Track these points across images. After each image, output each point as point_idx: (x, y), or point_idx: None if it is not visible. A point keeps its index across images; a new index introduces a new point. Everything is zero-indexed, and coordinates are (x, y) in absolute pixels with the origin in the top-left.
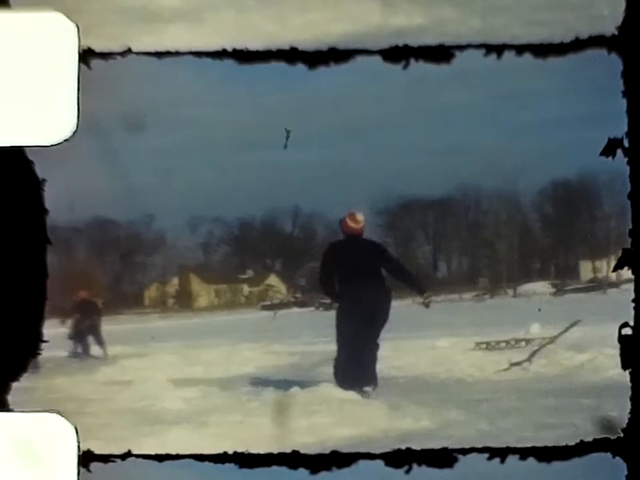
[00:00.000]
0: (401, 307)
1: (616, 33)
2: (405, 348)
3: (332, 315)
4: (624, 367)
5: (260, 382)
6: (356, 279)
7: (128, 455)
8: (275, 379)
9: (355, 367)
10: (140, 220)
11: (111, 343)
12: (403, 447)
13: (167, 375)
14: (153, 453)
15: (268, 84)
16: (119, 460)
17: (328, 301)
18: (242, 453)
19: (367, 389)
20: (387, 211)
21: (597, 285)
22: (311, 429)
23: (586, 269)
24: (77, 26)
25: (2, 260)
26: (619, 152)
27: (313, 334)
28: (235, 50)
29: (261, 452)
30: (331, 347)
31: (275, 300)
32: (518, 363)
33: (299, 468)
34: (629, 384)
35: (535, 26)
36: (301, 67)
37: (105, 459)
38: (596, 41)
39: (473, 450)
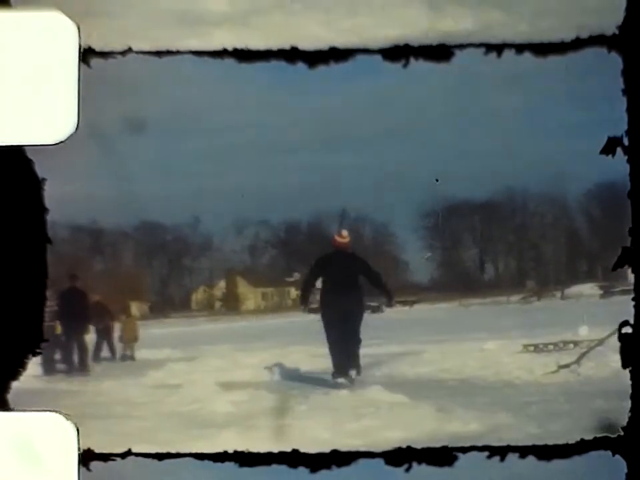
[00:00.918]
0: (448, 310)
1: (616, 31)
2: (453, 351)
3: (379, 317)
4: (624, 366)
5: (308, 385)
6: (338, 287)
7: (128, 453)
8: (324, 382)
9: (342, 358)
10: (187, 223)
11: (158, 347)
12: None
13: (215, 378)
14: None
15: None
16: (119, 459)
17: (375, 303)
18: (242, 452)
19: (352, 372)
20: (433, 213)
21: None
22: (360, 432)
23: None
24: (78, 25)
25: (2, 259)
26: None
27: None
28: (235, 49)
29: (261, 451)
30: (379, 350)
31: None
32: (566, 366)
33: (299, 466)
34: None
35: (581, 29)
36: (349, 69)
37: (105, 457)
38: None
39: (472, 448)
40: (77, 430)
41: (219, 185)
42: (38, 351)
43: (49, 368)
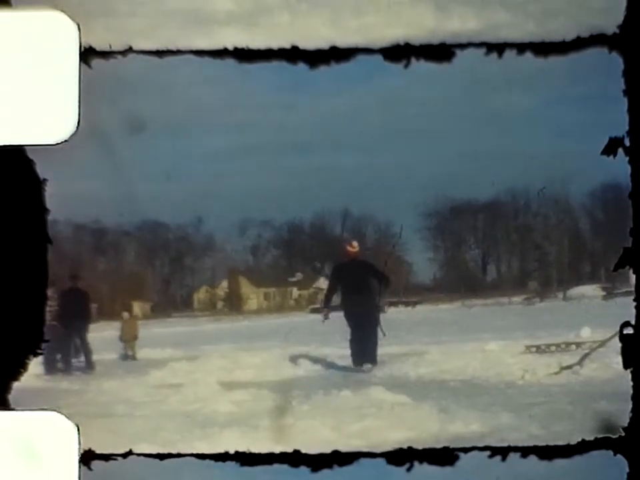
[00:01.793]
0: (450, 310)
1: (617, 31)
2: (455, 351)
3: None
4: (625, 367)
5: (310, 385)
6: (354, 290)
7: (129, 453)
8: (326, 382)
9: (360, 351)
10: (189, 223)
11: (160, 346)
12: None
13: (217, 378)
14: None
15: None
16: (120, 458)
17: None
18: (243, 452)
19: (367, 366)
20: (436, 214)
21: None
22: (363, 432)
23: None
24: (78, 25)
25: (3, 259)
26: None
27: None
28: (236, 49)
29: (263, 451)
30: (381, 350)
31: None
32: (569, 367)
33: (300, 466)
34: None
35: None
36: (356, 70)
37: (106, 457)
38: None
39: (474, 448)
40: (78, 429)
41: (222, 185)
42: (39, 351)
43: (50, 367)
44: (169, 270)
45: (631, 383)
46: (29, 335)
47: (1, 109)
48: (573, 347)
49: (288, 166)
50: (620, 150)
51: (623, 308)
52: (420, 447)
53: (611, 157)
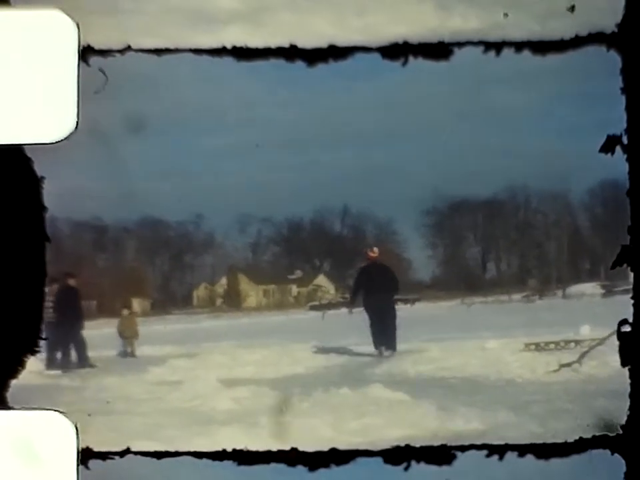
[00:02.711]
0: (450, 308)
1: (615, 30)
2: (454, 349)
3: None
4: (623, 365)
5: (309, 382)
6: (376, 289)
7: (127, 452)
8: (325, 380)
9: (384, 339)
10: (189, 220)
11: (160, 343)
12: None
13: (216, 375)
14: (152, 450)
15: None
16: (117, 457)
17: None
18: (240, 450)
19: (387, 353)
20: (435, 211)
21: None
22: (362, 430)
23: None
24: (77, 24)
25: (1, 258)
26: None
27: (362, 334)
28: (234, 47)
29: (261, 448)
30: None
31: (324, 300)
32: (568, 364)
33: (298, 465)
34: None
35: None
36: (355, 68)
37: (104, 456)
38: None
39: (471, 447)
40: (76, 428)
41: (222, 182)
42: (37, 349)
43: (50, 364)
44: (169, 267)
45: (629, 381)
46: (27, 333)
47: (0, 108)
48: (572, 344)
49: (287, 163)
50: (618, 147)
51: (622, 306)
52: (418, 445)
53: (609, 154)
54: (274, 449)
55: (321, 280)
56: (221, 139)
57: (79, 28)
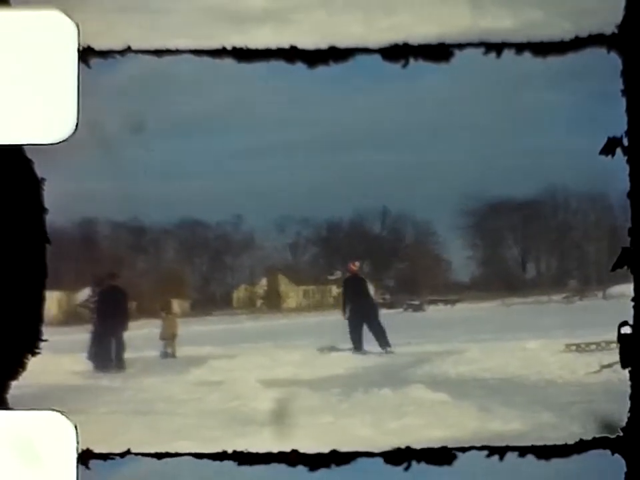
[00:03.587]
0: (490, 309)
1: (616, 31)
2: (495, 350)
3: (421, 316)
4: (623, 366)
5: (349, 383)
6: (357, 298)
7: (127, 452)
8: (365, 381)
9: (357, 340)
10: (229, 221)
11: (200, 344)
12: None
13: (256, 376)
14: (152, 451)
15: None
16: (118, 458)
17: (417, 302)
18: (241, 452)
19: (388, 348)
20: (475, 212)
21: None
22: (402, 430)
23: None
24: (77, 24)
25: (1, 259)
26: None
27: (402, 335)
28: (234, 48)
29: (260, 450)
30: (421, 348)
31: None
32: (609, 365)
33: (298, 466)
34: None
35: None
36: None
37: (104, 456)
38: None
39: (471, 447)
40: (76, 429)
41: (262, 183)
42: (37, 350)
43: (94, 364)
44: (208, 268)
45: (629, 383)
46: (28, 335)
47: None
48: (613, 345)
49: (327, 163)
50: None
51: None
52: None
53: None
54: (274, 449)
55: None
56: (261, 140)
57: (78, 28)
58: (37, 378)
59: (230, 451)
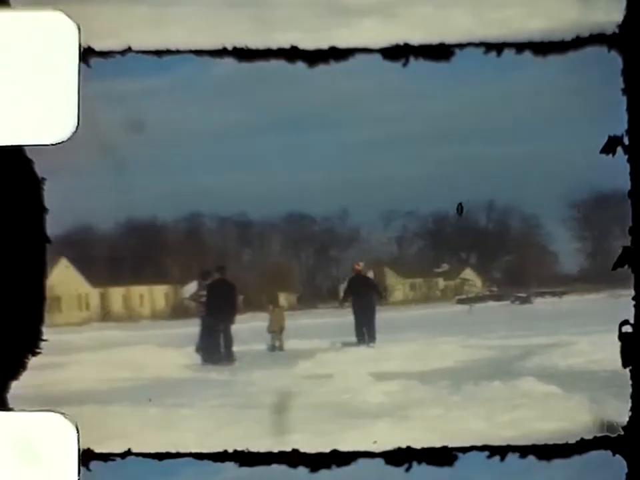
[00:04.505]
0: (597, 301)
1: (616, 30)
2: (604, 342)
3: (528, 308)
4: (624, 365)
5: (459, 376)
6: (360, 294)
7: (128, 453)
8: (475, 373)
9: (364, 332)
10: (335, 214)
11: (308, 337)
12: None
13: (366, 369)
14: (153, 451)
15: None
16: (118, 458)
17: (524, 294)
18: (242, 451)
19: (371, 344)
20: (582, 204)
21: None
22: (514, 423)
23: None
24: (78, 25)
25: (2, 259)
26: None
27: (510, 327)
28: (235, 48)
29: (261, 450)
30: (529, 341)
31: (471, 294)
32: None
33: (299, 466)
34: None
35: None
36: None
37: (105, 457)
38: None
39: (472, 448)
40: (77, 429)
41: (367, 176)
42: (37, 350)
43: (203, 357)
44: (314, 261)
45: (630, 382)
46: (28, 334)
47: (0, 109)
48: None
49: (433, 156)
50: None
51: None
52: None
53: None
54: (275, 449)
55: (468, 273)
56: (367, 133)
57: (79, 29)
58: (145, 371)
59: (230, 450)
